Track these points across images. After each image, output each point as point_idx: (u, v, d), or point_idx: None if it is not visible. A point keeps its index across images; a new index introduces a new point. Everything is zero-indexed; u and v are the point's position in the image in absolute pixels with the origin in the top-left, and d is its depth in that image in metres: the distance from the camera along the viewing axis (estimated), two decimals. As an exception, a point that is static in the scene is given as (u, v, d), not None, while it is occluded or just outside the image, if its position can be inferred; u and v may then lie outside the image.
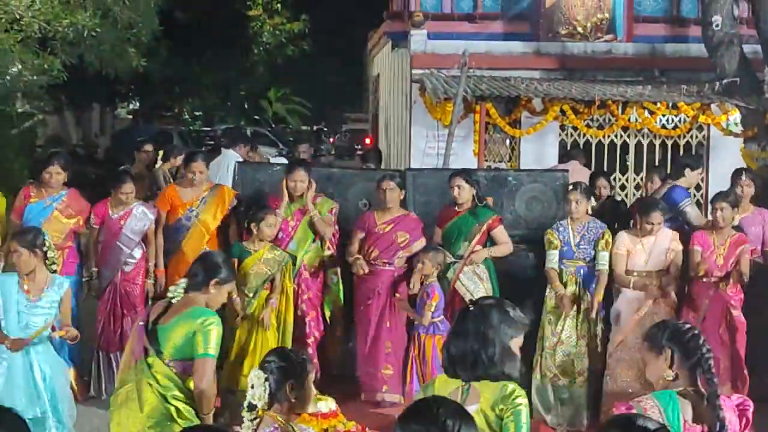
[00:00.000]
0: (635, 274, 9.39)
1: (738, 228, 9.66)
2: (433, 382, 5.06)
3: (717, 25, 14.03)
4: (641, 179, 16.04)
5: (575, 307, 9.44)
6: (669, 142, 16.98)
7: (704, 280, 9.38)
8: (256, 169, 11.02)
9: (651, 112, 14.39)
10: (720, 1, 14.08)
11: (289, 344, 9.03)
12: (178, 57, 25.94)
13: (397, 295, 9.39)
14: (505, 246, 9.68)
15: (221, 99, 34.83)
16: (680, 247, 9.41)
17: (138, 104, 38.24)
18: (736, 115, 14.33)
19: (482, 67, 15.73)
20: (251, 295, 9.13)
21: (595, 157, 16.68)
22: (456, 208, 9.67)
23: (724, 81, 13.94)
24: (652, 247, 9.41)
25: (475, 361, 4.86)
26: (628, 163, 16.85)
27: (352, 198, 10.44)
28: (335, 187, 10.40)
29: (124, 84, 26.78)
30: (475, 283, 9.53)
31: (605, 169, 15.62)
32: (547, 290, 9.52)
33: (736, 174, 10.42)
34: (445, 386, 4.89)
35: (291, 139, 35.41)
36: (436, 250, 9.17)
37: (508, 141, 17.31)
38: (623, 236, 9.48)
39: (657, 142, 16.96)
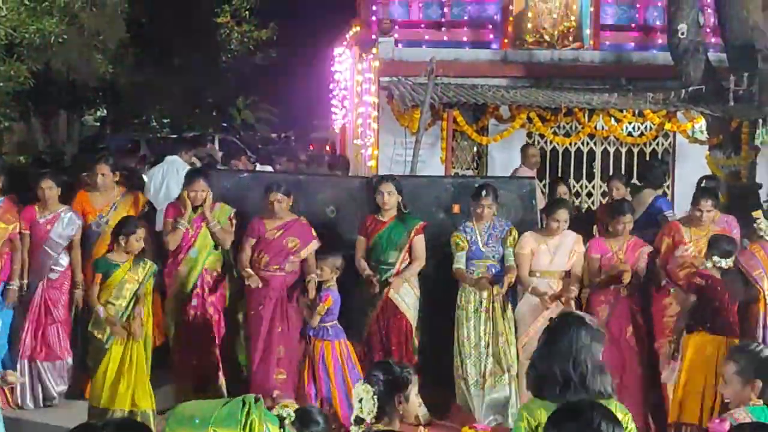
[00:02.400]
0: (538, 274, 9.58)
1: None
2: (531, 408, 4.94)
3: (682, 33, 14.10)
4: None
5: (491, 307, 9.55)
6: (635, 150, 17.02)
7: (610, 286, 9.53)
8: (221, 176, 10.97)
9: (617, 120, 14.43)
10: (685, 10, 14.16)
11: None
12: (145, 64, 25.80)
13: (298, 299, 9.33)
14: (416, 263, 9.74)
15: (189, 106, 34.65)
16: (583, 249, 9.64)
17: (105, 112, 38.05)
18: (701, 123, 14.40)
19: (449, 74, 15.74)
20: (123, 308, 8.79)
21: (562, 164, 16.72)
22: (380, 216, 9.71)
23: (690, 89, 13.98)
24: (556, 249, 9.58)
25: (566, 382, 4.82)
26: (594, 170, 16.89)
27: (319, 205, 10.39)
28: (303, 193, 10.35)
29: (92, 91, 26.58)
30: (406, 289, 9.67)
31: (572, 176, 15.68)
32: (459, 292, 9.64)
33: (698, 191, 10.29)
34: (545, 410, 4.75)
35: (260, 146, 35.33)
36: (334, 255, 9.16)
37: (475, 148, 17.31)
38: (528, 237, 9.65)
39: (623, 150, 17.01)
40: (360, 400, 4.96)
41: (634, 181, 16.12)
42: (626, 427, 4.74)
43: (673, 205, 12.35)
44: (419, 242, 9.73)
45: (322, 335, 8.96)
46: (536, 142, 16.86)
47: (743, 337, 8.73)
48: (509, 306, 9.71)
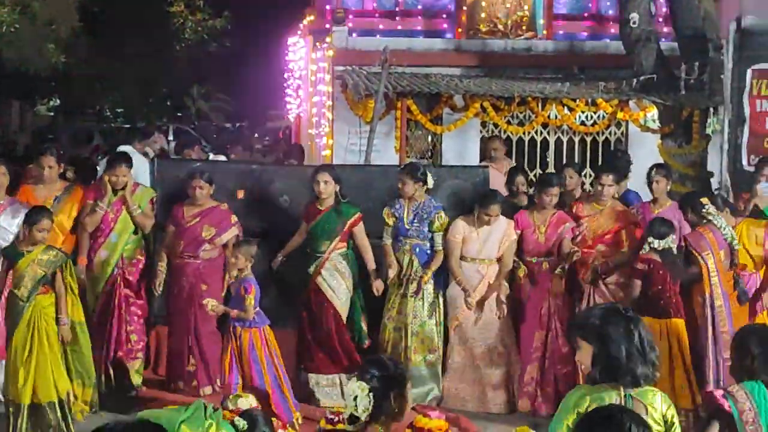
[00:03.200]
0: (469, 260, 9.70)
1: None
2: (581, 392, 4.92)
3: (634, 23, 14.16)
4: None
5: (416, 285, 9.71)
6: (588, 139, 17.11)
7: (529, 259, 9.79)
8: (175, 166, 10.92)
9: (570, 109, 14.49)
10: (637, -1, 14.23)
11: (89, 350, 8.88)
12: (98, 53, 25.64)
13: (206, 301, 9.08)
14: (368, 253, 9.85)
15: (143, 96, 34.49)
16: (514, 236, 9.73)
17: (58, 101, 37.77)
18: (653, 112, 14.48)
19: (403, 63, 15.72)
20: (26, 298, 8.52)
21: (516, 153, 16.77)
22: (318, 205, 9.77)
23: (642, 78, 14.07)
24: (487, 237, 9.69)
25: (634, 369, 4.84)
26: (548, 159, 16.95)
27: (273, 194, 10.37)
28: (256, 182, 10.34)
29: (44, 81, 26.41)
30: (336, 279, 9.73)
31: (526, 165, 15.73)
32: (389, 272, 9.77)
33: (601, 166, 10.60)
34: (599, 396, 4.80)
35: (214, 135, 35.22)
36: (248, 242, 9.12)
37: (429, 137, 17.33)
38: (459, 223, 9.76)
39: (576, 139, 17.08)
40: (355, 398, 4.88)
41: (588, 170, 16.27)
42: (669, 421, 4.90)
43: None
44: (359, 232, 9.82)
45: (249, 324, 8.92)
46: (490, 131, 16.93)
47: (689, 318, 9.10)
48: (439, 290, 9.84)
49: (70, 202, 9.89)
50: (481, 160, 13.60)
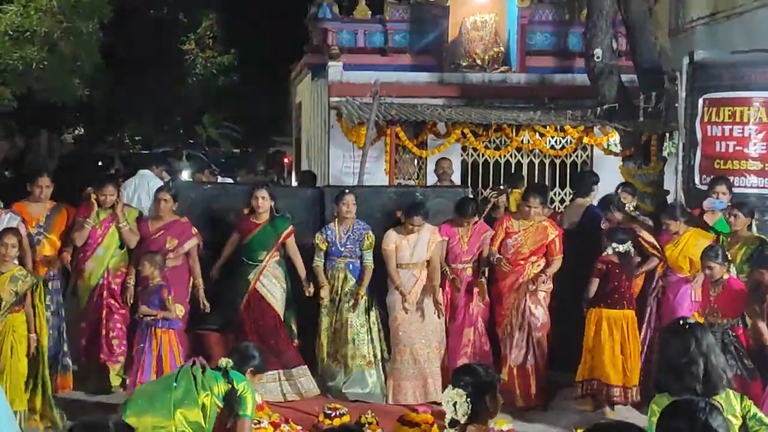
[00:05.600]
0: (404, 266, 9.77)
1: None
2: (660, 403, 4.94)
3: (598, 57, 14.20)
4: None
5: (353, 301, 9.81)
6: (557, 161, 17.19)
7: (453, 266, 9.93)
8: (189, 187, 10.94)
9: (541, 135, 14.49)
10: (601, 36, 14.25)
11: (43, 367, 8.51)
12: (118, 87, 25.64)
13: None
14: (298, 261, 9.90)
15: (159, 124, 34.45)
16: (439, 239, 9.83)
17: (82, 130, 37.71)
18: (615, 137, 14.49)
19: (392, 95, 15.75)
20: None
21: (493, 174, 16.82)
22: (254, 219, 9.83)
23: (605, 107, 14.09)
24: (415, 242, 9.78)
25: (710, 377, 4.95)
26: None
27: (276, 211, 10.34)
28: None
29: (70, 112, 26.40)
30: (274, 284, 9.81)
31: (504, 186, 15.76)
32: (322, 291, 9.86)
33: (526, 191, 10.66)
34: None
35: (223, 160, 35.13)
36: (154, 253, 9.21)
37: (415, 161, 17.36)
38: (391, 234, 9.86)
39: (547, 161, 17.15)
40: (453, 404, 4.84)
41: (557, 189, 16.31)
42: (748, 411, 5.02)
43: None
44: (291, 244, 9.90)
45: (168, 326, 8.91)
46: (470, 155, 16.97)
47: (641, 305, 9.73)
48: (373, 299, 9.93)
49: (60, 219, 9.81)
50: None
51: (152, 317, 8.88)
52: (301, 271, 9.93)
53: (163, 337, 8.83)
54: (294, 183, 21.06)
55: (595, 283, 9.46)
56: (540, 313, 9.84)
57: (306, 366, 9.83)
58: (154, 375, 8.59)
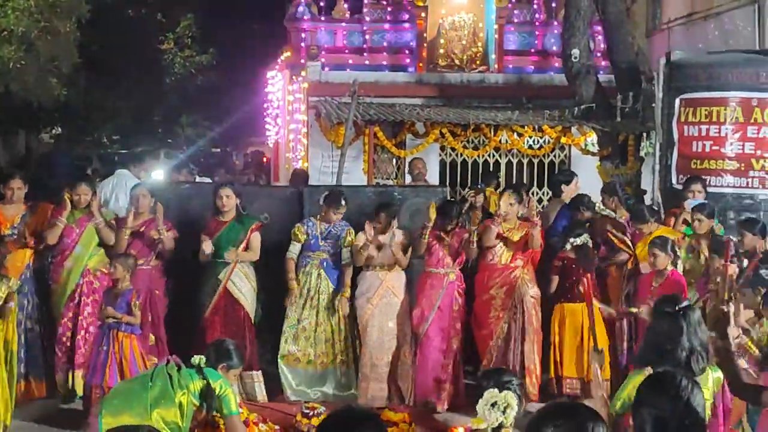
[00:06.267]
0: (370, 267, 9.68)
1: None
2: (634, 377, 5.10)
3: (575, 58, 14.24)
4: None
5: (318, 296, 9.71)
6: (535, 161, 17.21)
7: (434, 270, 9.73)
8: (165, 188, 10.86)
9: (519, 135, 14.55)
10: (578, 36, 14.29)
11: (14, 372, 8.46)
12: (96, 86, 25.49)
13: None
14: (250, 254, 9.72)
15: (137, 124, 34.30)
16: (406, 241, 9.71)
17: (60, 129, 37.52)
18: (593, 137, 14.55)
19: (370, 95, 15.76)
20: None
21: (471, 174, 16.83)
22: (221, 217, 9.74)
23: (582, 107, 14.15)
24: (383, 244, 9.65)
25: (701, 357, 5.16)
26: (499, 179, 16.99)
27: (255, 211, 10.27)
28: (241, 201, 10.29)
29: (47, 111, 26.22)
30: (244, 283, 9.69)
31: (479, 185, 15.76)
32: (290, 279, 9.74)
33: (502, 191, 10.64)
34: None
35: (201, 159, 35.04)
36: (126, 256, 9.12)
37: (394, 160, 17.35)
38: (360, 235, 9.72)
39: (525, 161, 17.18)
40: (505, 408, 4.69)
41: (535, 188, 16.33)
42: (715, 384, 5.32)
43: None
44: (255, 238, 9.73)
45: (131, 330, 8.84)
46: (448, 155, 16.98)
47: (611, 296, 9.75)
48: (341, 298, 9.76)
49: (35, 219, 9.68)
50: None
51: (116, 320, 8.78)
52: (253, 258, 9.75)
53: (125, 341, 8.72)
54: (274, 183, 20.99)
55: (555, 281, 9.57)
56: (534, 319, 9.80)
57: (260, 372, 9.72)
58: (119, 379, 8.44)
